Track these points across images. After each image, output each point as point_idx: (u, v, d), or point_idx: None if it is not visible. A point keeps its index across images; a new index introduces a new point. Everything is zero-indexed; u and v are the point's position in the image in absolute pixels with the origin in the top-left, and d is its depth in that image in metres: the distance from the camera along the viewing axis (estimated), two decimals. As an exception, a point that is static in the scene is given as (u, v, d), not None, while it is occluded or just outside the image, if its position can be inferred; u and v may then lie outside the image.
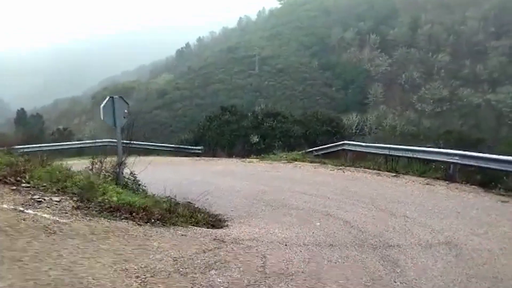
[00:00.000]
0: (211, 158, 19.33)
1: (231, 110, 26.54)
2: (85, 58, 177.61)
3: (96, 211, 5.29)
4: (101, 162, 8.31)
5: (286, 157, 16.48)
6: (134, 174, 8.40)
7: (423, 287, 4.12)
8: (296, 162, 14.95)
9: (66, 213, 5.05)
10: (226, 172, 13.32)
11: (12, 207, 4.88)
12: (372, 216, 6.97)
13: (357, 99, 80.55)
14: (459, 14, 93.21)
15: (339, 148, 15.55)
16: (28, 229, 4.25)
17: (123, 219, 5.21)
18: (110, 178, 8.09)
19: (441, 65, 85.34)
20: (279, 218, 7.05)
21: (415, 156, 11.57)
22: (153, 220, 5.36)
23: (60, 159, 17.17)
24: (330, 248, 5.24)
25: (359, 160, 14.14)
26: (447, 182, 10.04)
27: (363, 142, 15.27)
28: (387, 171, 11.94)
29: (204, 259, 4.22)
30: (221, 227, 6.43)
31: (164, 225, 5.35)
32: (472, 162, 9.98)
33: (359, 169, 12.53)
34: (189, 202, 8.35)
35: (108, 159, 8.76)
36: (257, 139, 23.72)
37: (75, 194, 5.77)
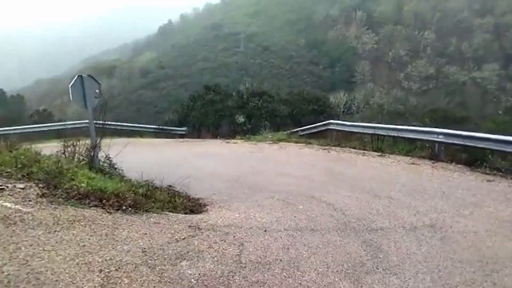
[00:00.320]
0: (195, 140, 18.96)
1: (215, 89, 25.99)
2: (66, 37, 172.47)
3: (63, 198, 4.95)
4: (73, 145, 7.92)
5: (271, 137, 16.22)
6: (110, 157, 8.03)
7: (406, 274, 3.94)
8: (281, 143, 14.70)
9: (30, 201, 4.71)
10: (210, 154, 13.01)
11: (-31, 196, 4.53)
12: (356, 198, 6.78)
13: (344, 77, 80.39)
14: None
15: (325, 127, 15.32)
16: (-16, 220, 3.91)
17: (92, 206, 4.89)
18: (83, 162, 7.73)
19: (427, 42, 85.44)
20: (261, 201, 6.80)
21: (400, 135, 11.40)
22: (124, 207, 5.05)
23: (35, 142, 16.69)
24: (312, 233, 5.03)
25: (345, 139, 13.97)
26: (432, 161, 9.92)
27: (349, 122, 15.05)
28: (373, 150, 11.79)
29: (176, 249, 3.95)
30: (200, 212, 6.16)
31: (136, 212, 5.05)
32: (457, 141, 9.84)
33: (344, 149, 12.35)
34: (169, 185, 8.06)
35: (85, 142, 8.35)
36: (243, 119, 23.35)
37: (42, 180, 5.41)
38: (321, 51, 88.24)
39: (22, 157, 6.17)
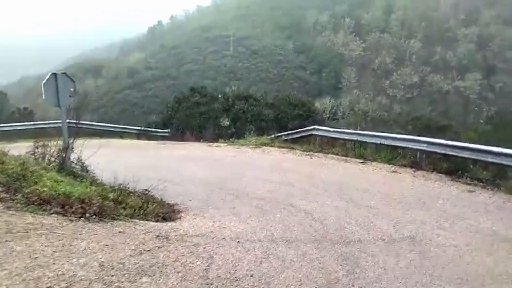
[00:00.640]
0: (177, 142, 18.60)
1: (201, 92, 25.67)
2: (52, 34, 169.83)
3: (22, 204, 4.61)
4: (44, 146, 7.55)
5: (255, 141, 15.99)
6: (81, 159, 7.67)
7: (382, 291, 3.74)
8: (264, 147, 14.49)
9: (-15, 206, 4.37)
10: (191, 157, 12.71)
11: None
12: (336, 207, 6.59)
13: (331, 83, 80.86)
14: (432, 0, 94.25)
15: (309, 133, 15.16)
16: None
17: (52, 213, 4.56)
18: (53, 164, 7.37)
19: (413, 50, 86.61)
20: (238, 208, 6.56)
21: (383, 142, 11.29)
22: (88, 215, 4.73)
23: (11, 141, 16.12)
24: (287, 244, 4.80)
25: (328, 145, 13.82)
26: (413, 169, 9.81)
27: (332, 128, 14.90)
28: (355, 157, 11.65)
29: (138, 262, 3.67)
30: (173, 220, 5.88)
31: (101, 220, 4.74)
32: (439, 150, 9.74)
33: (327, 155, 12.19)
34: (145, 189, 7.75)
35: (57, 142, 7.97)
36: (228, 123, 23.10)
37: (1, 183, 5.06)
38: (309, 57, 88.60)
39: (-17, 158, 5.80)
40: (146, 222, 5.28)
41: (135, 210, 5.96)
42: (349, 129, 14.66)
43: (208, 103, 24.64)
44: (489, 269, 4.34)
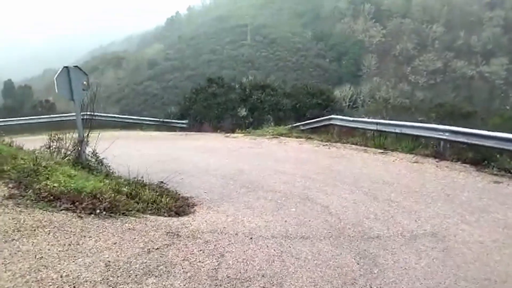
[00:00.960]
0: (195, 133, 18.58)
1: (218, 82, 25.50)
2: (74, 28, 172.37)
3: (31, 200, 4.56)
4: (58, 140, 7.55)
5: (272, 132, 15.79)
6: (96, 153, 7.63)
7: (402, 293, 3.51)
8: (281, 138, 14.28)
9: (-5, 203, 4.34)
10: (208, 149, 12.62)
11: None
12: (354, 200, 6.34)
13: (351, 71, 79.47)
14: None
15: (327, 122, 14.84)
16: None
17: (62, 210, 4.50)
18: (68, 158, 7.36)
19: (435, 36, 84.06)
20: (252, 202, 6.40)
21: (404, 131, 10.89)
22: (98, 211, 4.65)
23: (30, 134, 16.37)
24: (302, 241, 4.61)
25: (347, 135, 13.48)
26: (436, 159, 9.42)
27: (351, 117, 14.53)
28: (375, 147, 11.30)
29: (145, 262, 3.55)
30: (186, 214, 5.76)
31: (111, 216, 4.65)
32: (463, 139, 9.30)
33: (345, 145, 11.89)
34: (161, 182, 7.70)
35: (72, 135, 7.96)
36: (245, 113, 22.91)
37: (13, 179, 5.03)
38: (328, 44, 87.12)
39: (-3, 153, 5.80)
40: (158, 217, 5.17)
41: (148, 204, 5.88)
42: (368, 117, 14.25)
43: (226, 93, 24.48)
44: (519, 268, 4.05)
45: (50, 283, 2.97)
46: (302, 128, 16.11)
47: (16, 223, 3.91)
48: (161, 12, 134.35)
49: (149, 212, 5.47)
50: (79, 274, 3.16)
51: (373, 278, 3.74)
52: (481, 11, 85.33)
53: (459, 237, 4.83)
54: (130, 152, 11.92)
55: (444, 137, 9.68)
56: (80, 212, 4.53)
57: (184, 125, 21.97)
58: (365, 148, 11.32)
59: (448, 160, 9.31)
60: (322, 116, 16.40)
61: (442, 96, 60.45)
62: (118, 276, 3.21)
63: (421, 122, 12.28)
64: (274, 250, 4.29)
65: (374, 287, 3.59)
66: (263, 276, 3.63)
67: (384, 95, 58.65)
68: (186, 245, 4.12)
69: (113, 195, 5.51)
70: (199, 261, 3.75)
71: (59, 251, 3.50)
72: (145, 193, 6.32)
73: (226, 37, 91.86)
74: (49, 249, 3.50)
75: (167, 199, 6.30)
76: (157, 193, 6.67)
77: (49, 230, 3.88)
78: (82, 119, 8.03)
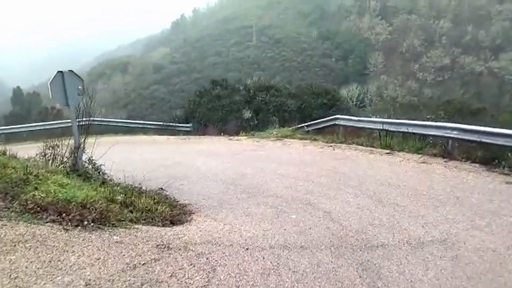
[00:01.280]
0: (198, 137, 18.39)
1: (222, 84, 25.30)
2: (80, 33, 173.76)
3: (16, 212, 4.35)
4: (53, 147, 7.37)
5: (276, 133, 15.55)
6: (93, 159, 7.44)
7: (408, 309, 3.23)
8: (285, 139, 14.02)
9: (-23, 217, 4.13)
10: (210, 152, 12.41)
11: None
12: (357, 205, 6.05)
13: (357, 70, 78.93)
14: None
15: (331, 123, 14.53)
16: None
17: (48, 222, 4.28)
18: (62, 165, 7.17)
19: (442, 32, 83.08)
20: (252, 208, 6.15)
21: (410, 130, 10.56)
22: (86, 222, 4.43)
23: (31, 142, 16.28)
24: (300, 251, 4.34)
25: (352, 135, 13.18)
26: (445, 159, 9.08)
27: (355, 116, 14.21)
28: (381, 147, 10.99)
29: (129, 280, 3.30)
30: (182, 223, 5.52)
31: (100, 227, 4.42)
32: (472, 137, 8.94)
33: (351, 146, 11.59)
34: (160, 188, 7.50)
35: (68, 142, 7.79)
36: (250, 115, 22.67)
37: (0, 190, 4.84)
38: (334, 43, 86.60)
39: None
40: (151, 227, 4.94)
41: (142, 213, 5.67)
42: (374, 117, 13.92)
43: (230, 95, 24.26)
44: (536, 279, 3.74)
45: (22, 307, 2.75)
46: (306, 129, 15.81)
47: (-4, 238, 3.70)
48: (167, 15, 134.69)
49: (143, 221, 5.25)
50: (55, 295, 2.93)
51: (376, 293, 3.46)
52: (489, 5, 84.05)
53: (469, 244, 4.53)
54: (131, 157, 11.76)
55: (452, 136, 9.34)
56: (66, 224, 4.30)
57: (188, 129, 21.80)
58: (371, 148, 11.01)
59: (457, 160, 8.98)
60: (327, 116, 16.09)
61: (451, 93, 59.60)
62: (97, 297, 2.98)
63: (428, 120, 11.94)
64: (271, 262, 4.03)
65: (376, 303, 3.31)
66: (256, 292, 3.37)
67: (391, 93, 58.04)
68: (175, 259, 3.88)
69: (105, 204, 5.30)
70: (188, 277, 3.50)
71: (38, 268, 3.28)
72: (141, 201, 6.11)
73: (232, 39, 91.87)
74: (26, 267, 3.28)
75: (163, 207, 6.08)
76: (155, 201, 6.46)
77: (31, 245, 3.66)
78: (78, 125, 7.86)
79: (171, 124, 22.73)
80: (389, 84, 68.60)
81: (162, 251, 4.02)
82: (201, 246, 4.33)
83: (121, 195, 6.20)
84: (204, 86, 27.28)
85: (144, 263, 3.65)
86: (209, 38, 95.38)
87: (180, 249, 4.15)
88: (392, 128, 11.24)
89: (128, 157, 11.37)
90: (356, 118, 13.56)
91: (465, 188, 6.85)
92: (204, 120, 22.66)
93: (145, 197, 6.54)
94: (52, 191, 5.17)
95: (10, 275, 3.12)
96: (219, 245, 4.42)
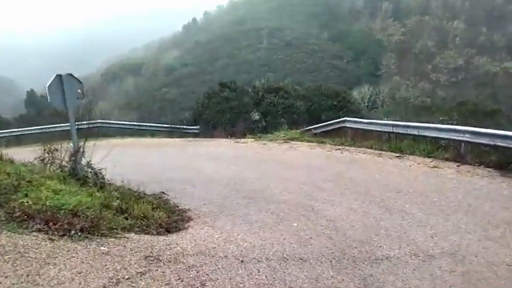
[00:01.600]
0: (205, 139, 18.19)
1: (230, 86, 25.08)
2: (93, 35, 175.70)
3: (2, 221, 4.17)
4: (51, 151, 7.22)
5: (283, 136, 15.26)
6: (91, 164, 7.27)
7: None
8: (293, 142, 13.72)
9: (-40, 225, 3.96)
10: (215, 155, 12.19)
11: None
12: (363, 213, 5.75)
13: (370, 71, 78.04)
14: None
15: (340, 125, 14.19)
16: None
17: (34, 231, 4.09)
18: (60, 170, 7.02)
19: (456, 32, 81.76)
20: (252, 215, 5.91)
21: (421, 133, 10.18)
22: (74, 231, 4.22)
23: (37, 145, 16.30)
24: (299, 264, 4.07)
25: (361, 138, 12.82)
26: (457, 164, 8.69)
27: (364, 119, 13.84)
28: (391, 151, 10.62)
29: (109, 297, 3.08)
30: (178, 231, 5.30)
31: (88, 236, 4.21)
32: (486, 140, 8.55)
33: (359, 149, 11.24)
34: (162, 192, 7.33)
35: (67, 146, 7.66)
36: (258, 117, 22.40)
37: (-12, 197, 4.67)
38: (345, 45, 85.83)
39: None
40: (143, 236, 4.72)
41: (137, 220, 5.46)
42: (383, 119, 13.54)
43: (238, 97, 24.02)
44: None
45: (-12, 328, 2.54)
46: (314, 131, 15.49)
47: (-25, 250, 3.51)
48: (178, 18, 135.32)
49: (136, 229, 5.03)
50: (26, 315, 2.71)
51: (377, 313, 3.18)
52: (504, 5, 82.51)
53: (481, 257, 4.20)
54: (136, 160, 11.63)
55: (465, 139, 8.95)
56: (52, 234, 4.10)
57: (196, 131, 21.64)
58: (380, 152, 10.66)
59: (470, 164, 8.59)
60: (337, 119, 15.74)
61: (465, 94, 58.40)
62: (71, 317, 2.75)
63: (441, 122, 11.56)
64: (266, 276, 3.76)
65: (377, 326, 3.02)
66: (246, 312, 3.12)
67: (404, 95, 57.19)
68: (163, 272, 3.63)
69: (98, 211, 5.11)
70: (174, 294, 3.26)
71: (12, 284, 3.07)
72: (138, 207, 5.92)
73: (243, 41, 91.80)
74: (0, 282, 3.07)
75: (160, 214, 5.86)
76: (153, 206, 6.27)
77: (10, 258, 3.46)
78: (77, 128, 7.73)
79: (179, 126, 22.58)
80: (402, 85, 67.69)
81: (150, 264, 3.79)
82: (193, 258, 4.08)
83: (118, 200, 6.01)
84: (213, 88, 27.09)
85: (128, 278, 3.41)
86: (220, 40, 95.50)
87: (170, 261, 3.91)
88: (402, 131, 10.88)
89: (133, 161, 11.23)
90: (365, 121, 13.20)
91: (478, 195, 6.48)
92: (212, 122, 22.47)
93: (144, 202, 6.36)
94: (43, 197, 4.99)
95: (-18, 291, 2.92)
96: (213, 257, 4.18)
